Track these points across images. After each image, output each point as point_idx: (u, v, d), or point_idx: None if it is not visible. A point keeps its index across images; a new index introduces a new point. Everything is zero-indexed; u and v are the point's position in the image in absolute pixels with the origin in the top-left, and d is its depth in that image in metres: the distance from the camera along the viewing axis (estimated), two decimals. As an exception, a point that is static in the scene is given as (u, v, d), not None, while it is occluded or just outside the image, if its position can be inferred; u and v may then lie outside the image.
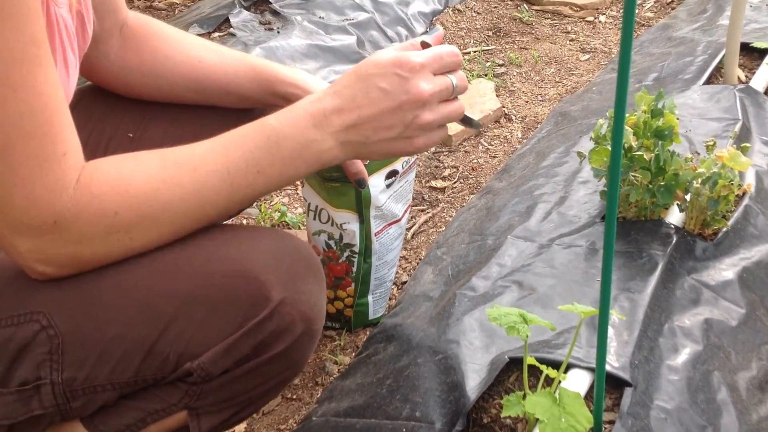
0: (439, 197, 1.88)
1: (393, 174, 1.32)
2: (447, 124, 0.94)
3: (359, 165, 1.24)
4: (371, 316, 1.42)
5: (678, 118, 1.46)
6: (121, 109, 1.22)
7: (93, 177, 0.77)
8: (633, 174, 1.39)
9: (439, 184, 1.92)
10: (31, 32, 0.74)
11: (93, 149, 1.04)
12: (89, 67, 1.17)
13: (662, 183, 1.38)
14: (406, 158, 1.34)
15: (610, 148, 1.40)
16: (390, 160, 1.31)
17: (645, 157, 1.40)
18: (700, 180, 1.36)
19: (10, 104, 0.73)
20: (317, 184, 1.32)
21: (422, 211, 1.83)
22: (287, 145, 0.84)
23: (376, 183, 1.30)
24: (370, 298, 1.40)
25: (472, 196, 1.86)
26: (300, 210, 1.80)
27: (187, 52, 1.22)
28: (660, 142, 1.42)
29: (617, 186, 0.80)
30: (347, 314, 1.41)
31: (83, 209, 0.76)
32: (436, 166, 1.99)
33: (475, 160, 2.02)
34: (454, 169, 1.98)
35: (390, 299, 1.48)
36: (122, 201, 0.77)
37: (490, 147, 2.08)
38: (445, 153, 2.05)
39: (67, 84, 0.93)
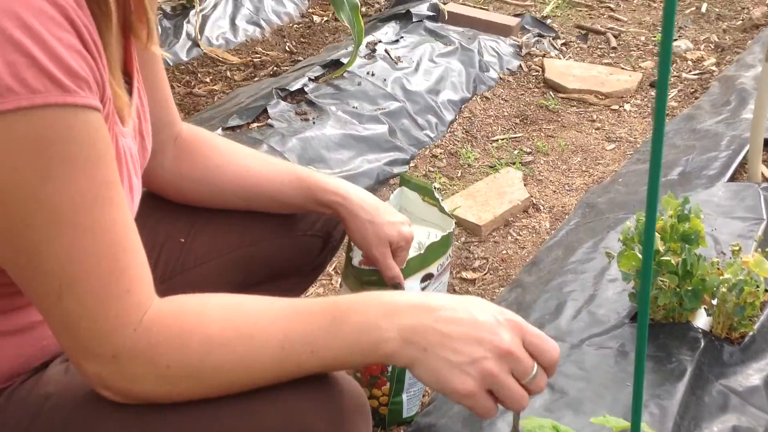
0: (469, 289, 1.93)
1: (428, 277, 1.38)
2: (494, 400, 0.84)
3: (396, 269, 1.30)
4: (405, 414, 1.46)
5: (703, 217, 1.51)
6: (173, 215, 1.29)
7: (154, 325, 0.81)
8: (661, 279, 1.43)
9: (470, 275, 1.97)
10: (103, 176, 0.79)
11: (148, 255, 1.11)
12: (144, 176, 1.25)
13: (689, 288, 1.43)
14: (441, 261, 1.40)
15: (638, 254, 1.45)
16: (426, 264, 1.37)
17: (672, 261, 1.44)
18: (726, 286, 1.41)
19: (79, 244, 0.78)
20: (356, 287, 1.37)
21: (453, 303, 1.87)
22: (348, 328, 0.82)
23: (411, 285, 1.35)
24: (404, 396, 1.44)
25: (502, 288, 1.90)
26: (334, 301, 1.85)
27: (236, 161, 1.29)
28: (687, 246, 1.47)
29: (647, 317, 0.85)
30: (382, 412, 1.44)
31: (139, 354, 0.80)
32: (467, 257, 2.05)
33: (504, 251, 2.07)
34: (484, 260, 2.03)
35: (423, 396, 1.52)
36: (175, 357, 0.81)
37: (519, 237, 2.14)
38: (475, 243, 2.11)
39: (132, 207, 1.00)
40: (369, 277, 1.33)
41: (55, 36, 0.74)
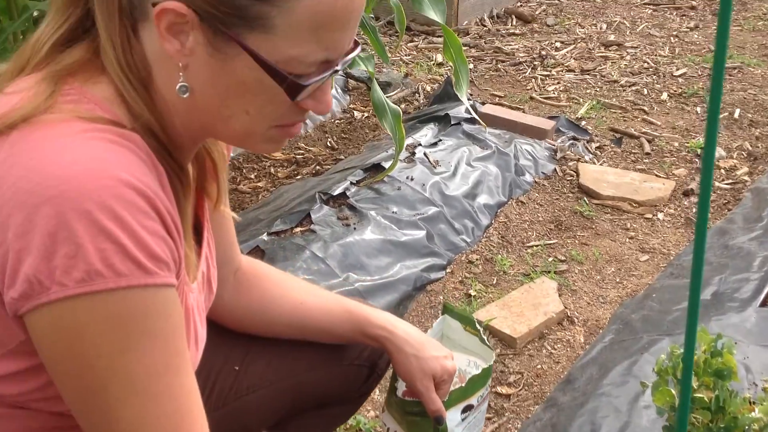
0: (504, 405, 1.97)
1: (468, 408, 1.43)
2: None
3: (439, 403, 1.36)
4: None
5: (735, 349, 1.56)
6: (228, 343, 1.36)
7: None
8: (694, 416, 1.47)
9: (505, 390, 2.02)
10: (174, 346, 0.86)
11: (203, 382, 1.18)
12: (204, 305, 1.32)
13: (722, 426, 1.46)
14: (481, 393, 1.45)
15: (673, 390, 1.50)
16: (467, 395, 1.42)
17: (705, 398, 1.48)
18: (758, 425, 1.44)
19: (149, 409, 0.85)
20: (398, 416, 1.43)
21: (488, 419, 1.92)
22: None
23: (452, 417, 1.40)
24: None
25: (537, 406, 1.95)
26: (372, 413, 1.91)
27: (290, 294, 1.37)
28: (719, 382, 1.51)
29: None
30: None
31: None
32: (502, 371, 2.09)
33: (539, 365, 2.12)
34: (519, 375, 2.08)
35: None
36: None
37: (553, 351, 2.19)
38: (510, 356, 2.16)
39: (196, 358, 1.06)
40: (412, 408, 1.39)
41: (142, 224, 0.82)
